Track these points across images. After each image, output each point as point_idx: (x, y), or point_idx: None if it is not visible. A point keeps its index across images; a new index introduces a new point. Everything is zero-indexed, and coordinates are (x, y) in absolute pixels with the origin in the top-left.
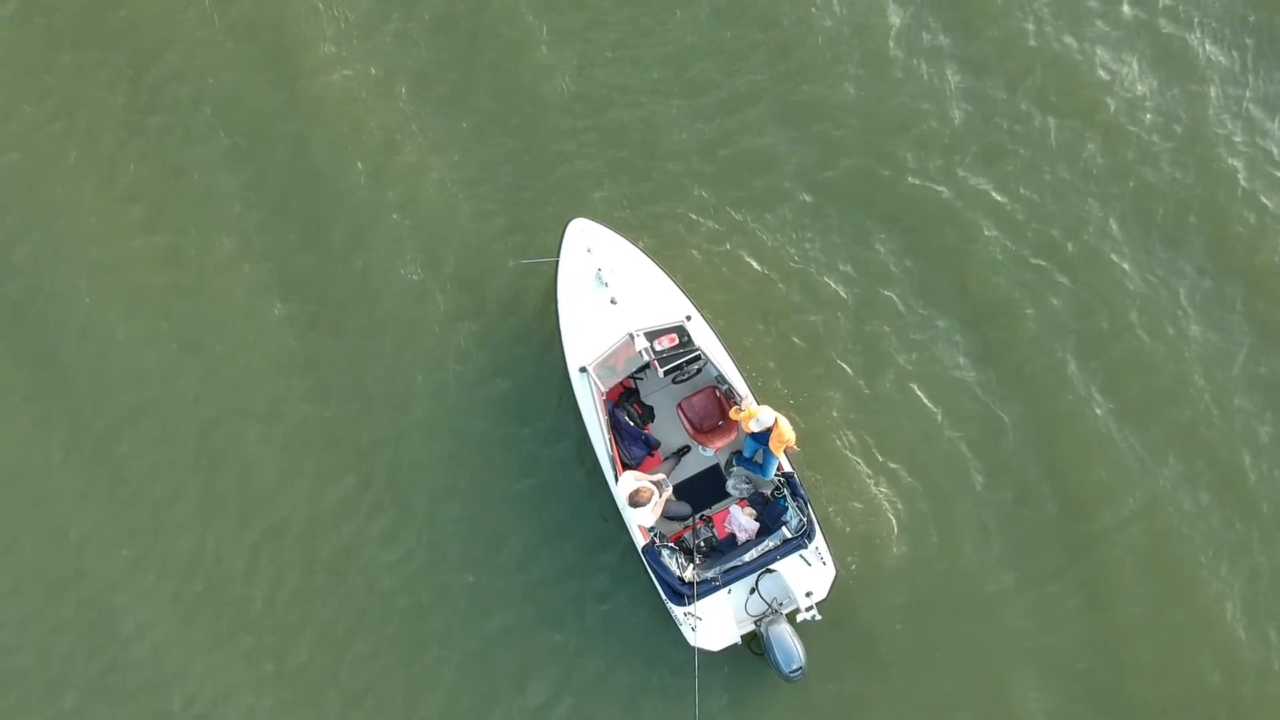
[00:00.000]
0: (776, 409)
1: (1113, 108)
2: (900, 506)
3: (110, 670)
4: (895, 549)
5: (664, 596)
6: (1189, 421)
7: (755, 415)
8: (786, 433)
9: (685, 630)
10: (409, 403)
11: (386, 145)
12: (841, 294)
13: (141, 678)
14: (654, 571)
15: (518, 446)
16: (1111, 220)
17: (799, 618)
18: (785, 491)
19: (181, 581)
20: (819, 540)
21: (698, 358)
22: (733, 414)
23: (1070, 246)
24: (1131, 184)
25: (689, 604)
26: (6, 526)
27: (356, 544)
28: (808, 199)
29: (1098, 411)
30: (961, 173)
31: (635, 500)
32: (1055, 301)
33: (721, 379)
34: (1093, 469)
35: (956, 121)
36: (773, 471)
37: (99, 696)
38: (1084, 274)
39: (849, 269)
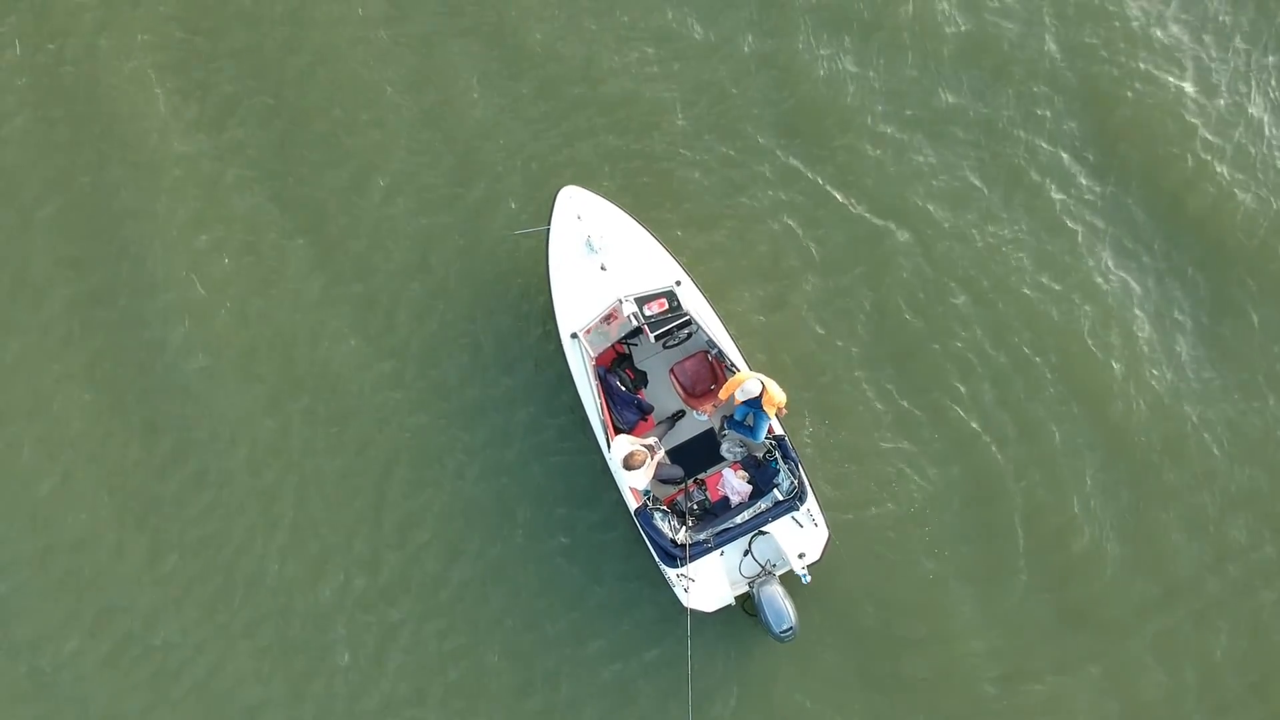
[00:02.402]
0: (767, 373)
1: None
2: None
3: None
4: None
5: (657, 559)
6: None
7: (742, 384)
8: (776, 395)
9: (678, 592)
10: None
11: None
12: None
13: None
14: (646, 534)
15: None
16: None
17: (803, 577)
18: (777, 454)
19: (237, 609)
20: (811, 502)
21: (688, 322)
22: (723, 393)
23: None
24: None
25: (682, 566)
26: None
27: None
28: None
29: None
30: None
31: (629, 464)
32: None
33: (712, 343)
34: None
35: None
36: (763, 434)
37: None
38: None
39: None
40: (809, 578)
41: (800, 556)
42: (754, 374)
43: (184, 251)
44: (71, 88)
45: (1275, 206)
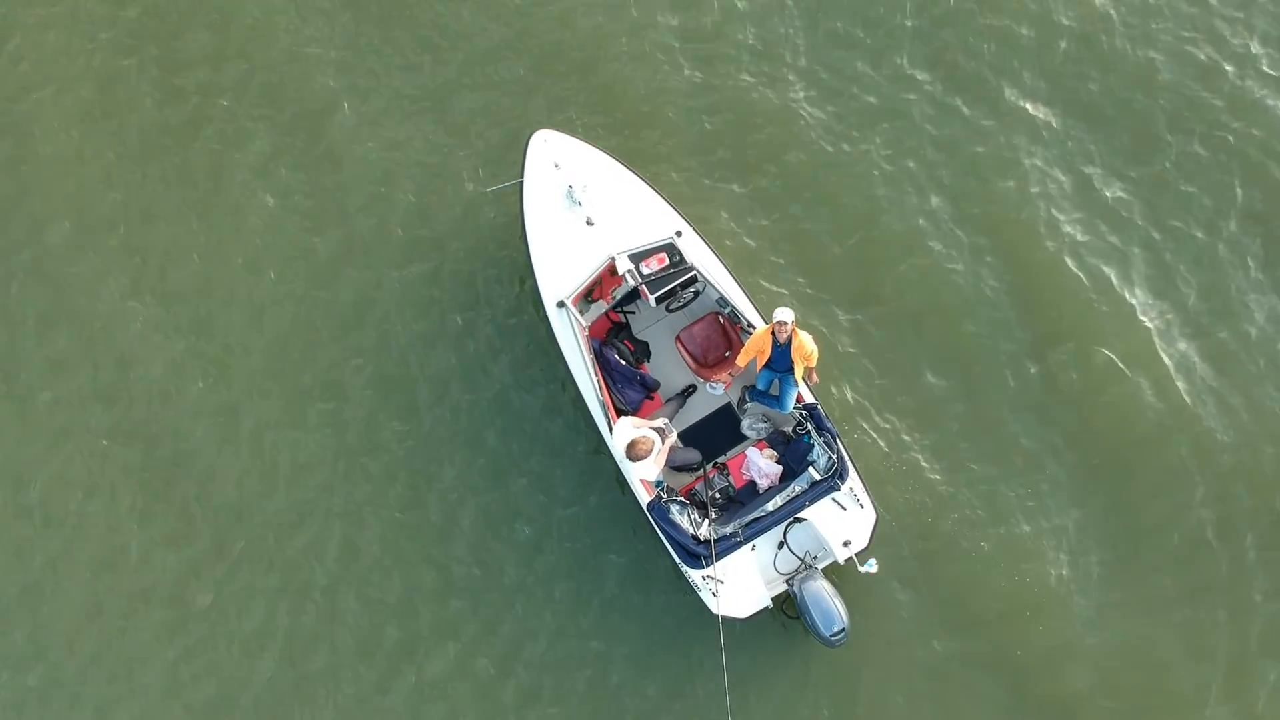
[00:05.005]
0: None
1: None
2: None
3: None
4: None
5: (678, 560)
6: None
7: (772, 324)
8: (808, 345)
9: (706, 596)
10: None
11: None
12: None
13: None
14: (664, 532)
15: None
16: None
17: (861, 569)
18: (809, 426)
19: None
20: (853, 479)
21: (694, 279)
22: (741, 359)
23: None
24: None
25: (708, 566)
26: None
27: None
28: None
29: None
30: None
31: (634, 453)
32: None
33: (723, 301)
34: None
35: None
36: (792, 403)
37: None
38: None
39: None
40: (874, 567)
41: (845, 544)
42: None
43: None
44: None
45: None
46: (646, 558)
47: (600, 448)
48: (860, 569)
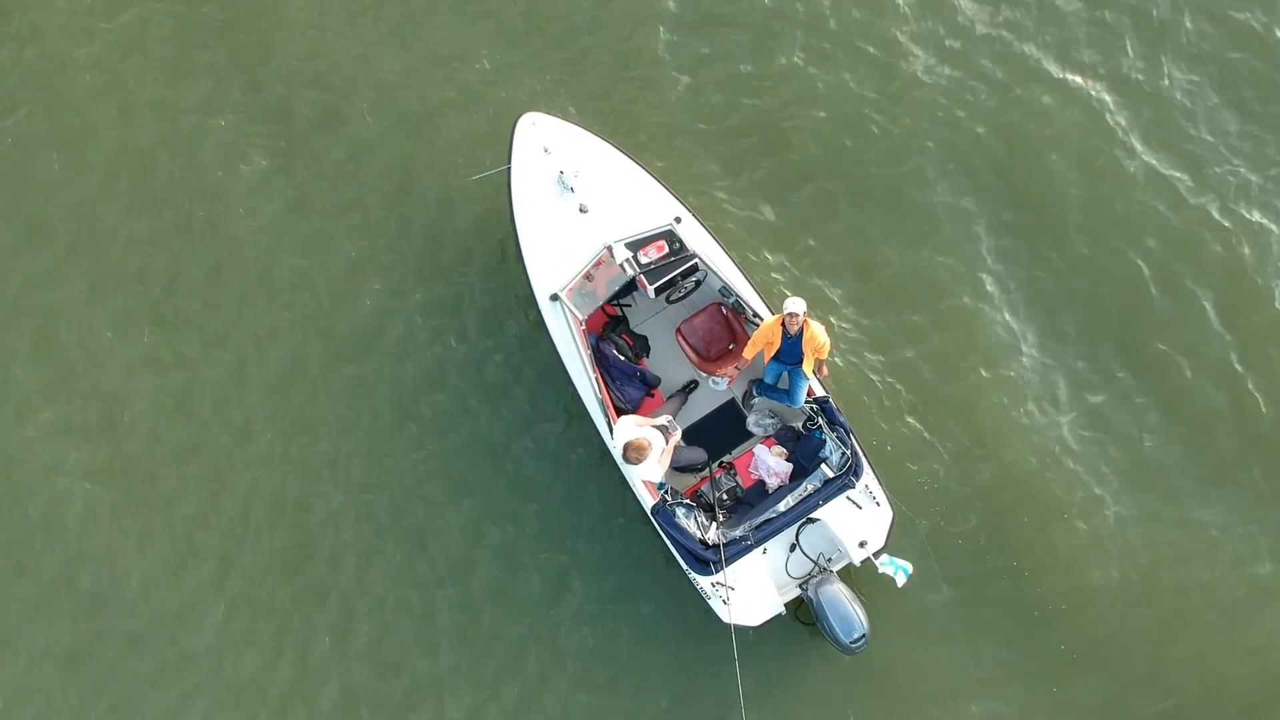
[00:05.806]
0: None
1: None
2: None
3: None
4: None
5: (685, 566)
6: None
7: (782, 315)
8: (820, 337)
9: (716, 604)
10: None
11: None
12: None
13: None
14: (669, 537)
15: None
16: None
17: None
18: (820, 421)
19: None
20: (868, 476)
21: (695, 267)
22: (748, 351)
23: None
24: None
25: (717, 572)
26: None
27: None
28: None
29: None
30: None
31: (632, 455)
32: None
33: (727, 290)
34: None
35: None
36: (803, 397)
37: None
38: None
39: None
40: (908, 572)
41: (861, 545)
42: (793, 298)
43: None
44: None
45: None
46: (647, 564)
47: (592, 450)
48: (885, 573)
